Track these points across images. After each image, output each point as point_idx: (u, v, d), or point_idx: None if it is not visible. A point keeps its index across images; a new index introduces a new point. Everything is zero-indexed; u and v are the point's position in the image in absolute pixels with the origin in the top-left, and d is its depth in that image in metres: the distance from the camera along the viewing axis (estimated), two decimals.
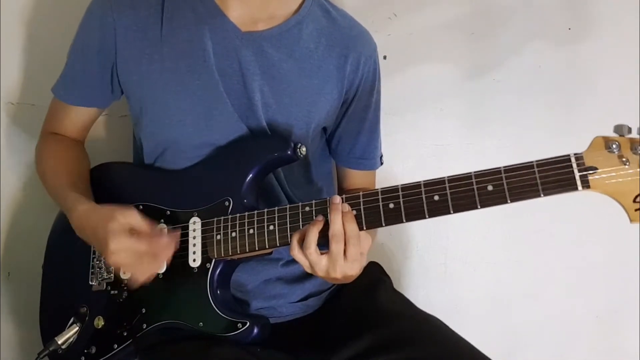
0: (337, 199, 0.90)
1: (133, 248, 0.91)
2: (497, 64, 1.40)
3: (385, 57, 1.35)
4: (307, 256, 0.89)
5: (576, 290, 1.47)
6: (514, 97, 1.40)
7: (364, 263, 0.93)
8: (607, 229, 1.36)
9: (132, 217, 0.92)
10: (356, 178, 1.19)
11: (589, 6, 1.39)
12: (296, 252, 0.90)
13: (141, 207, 1.03)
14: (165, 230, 1.00)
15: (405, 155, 1.40)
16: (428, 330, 1.00)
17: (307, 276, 1.10)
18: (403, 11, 1.37)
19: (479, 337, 0.99)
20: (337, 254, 0.88)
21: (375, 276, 1.13)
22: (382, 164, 1.21)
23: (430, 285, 1.45)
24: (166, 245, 0.95)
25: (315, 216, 0.91)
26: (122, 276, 1.01)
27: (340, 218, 0.88)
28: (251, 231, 0.95)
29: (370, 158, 1.18)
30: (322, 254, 0.89)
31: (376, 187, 0.91)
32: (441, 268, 1.46)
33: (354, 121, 1.14)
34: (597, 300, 1.48)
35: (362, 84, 1.10)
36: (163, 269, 0.99)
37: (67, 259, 1.09)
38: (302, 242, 0.89)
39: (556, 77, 1.41)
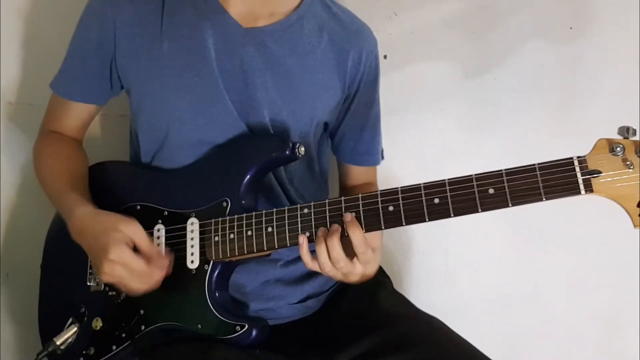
0: (349, 217, 0.89)
1: (131, 264, 0.90)
2: (498, 63, 1.39)
3: (385, 57, 1.34)
4: (339, 270, 0.90)
5: (577, 292, 1.46)
6: (515, 96, 1.40)
7: (379, 258, 0.95)
8: (609, 230, 1.35)
9: (136, 233, 0.92)
10: (359, 174, 1.20)
11: (590, 5, 1.38)
12: (310, 264, 0.92)
13: (139, 207, 1.03)
14: (164, 251, 0.98)
15: (406, 156, 1.39)
16: (429, 332, 1.00)
17: (306, 277, 1.09)
18: (403, 10, 1.37)
19: (480, 338, 0.99)
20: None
21: (375, 277, 1.11)
22: (383, 158, 1.21)
23: (430, 286, 1.45)
24: (161, 268, 0.94)
25: (314, 218, 0.91)
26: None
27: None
28: (249, 233, 0.94)
29: (374, 153, 1.18)
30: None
31: (376, 189, 0.91)
32: (442, 269, 1.45)
33: (358, 117, 1.14)
34: (599, 302, 1.47)
35: (364, 79, 1.10)
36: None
37: (65, 258, 1.08)
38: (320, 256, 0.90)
39: (558, 77, 1.40)
